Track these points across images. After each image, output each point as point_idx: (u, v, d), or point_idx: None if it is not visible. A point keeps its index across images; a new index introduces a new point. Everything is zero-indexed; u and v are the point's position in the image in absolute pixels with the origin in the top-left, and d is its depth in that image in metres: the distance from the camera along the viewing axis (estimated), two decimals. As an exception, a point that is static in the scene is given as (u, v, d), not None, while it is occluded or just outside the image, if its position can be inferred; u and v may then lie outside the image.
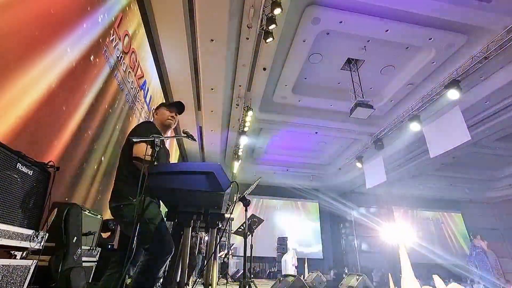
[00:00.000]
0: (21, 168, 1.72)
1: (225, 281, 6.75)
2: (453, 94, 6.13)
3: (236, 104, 7.65)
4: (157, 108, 2.18)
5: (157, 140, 1.60)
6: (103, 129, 3.76)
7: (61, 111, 2.76)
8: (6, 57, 2.05)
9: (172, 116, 2.12)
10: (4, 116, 2.07)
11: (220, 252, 7.57)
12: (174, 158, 9.33)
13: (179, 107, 2.17)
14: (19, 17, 2.14)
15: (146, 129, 1.89)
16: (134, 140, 1.68)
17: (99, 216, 3.00)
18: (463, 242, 14.23)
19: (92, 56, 3.26)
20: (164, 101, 6.80)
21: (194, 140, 2.01)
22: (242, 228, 5.33)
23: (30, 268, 1.72)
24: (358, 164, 10.03)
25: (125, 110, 4.53)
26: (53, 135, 2.69)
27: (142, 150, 1.72)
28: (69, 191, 3.05)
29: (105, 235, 3.34)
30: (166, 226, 1.80)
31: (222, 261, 8.20)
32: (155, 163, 1.59)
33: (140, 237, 1.49)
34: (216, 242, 1.97)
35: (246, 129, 7.96)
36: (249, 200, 2.81)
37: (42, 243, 1.83)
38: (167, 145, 2.27)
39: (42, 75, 2.42)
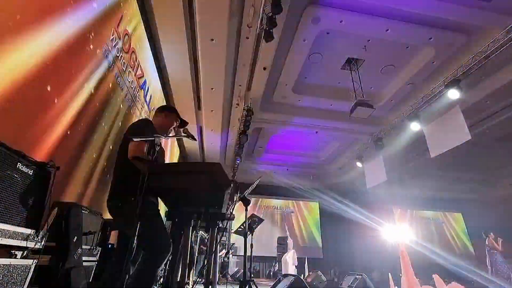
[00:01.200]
0: (22, 167, 1.72)
1: (225, 280, 6.76)
2: (453, 93, 6.13)
3: (236, 104, 7.65)
4: (170, 112, 2.19)
5: (157, 139, 1.60)
6: (103, 129, 3.76)
7: (61, 111, 2.77)
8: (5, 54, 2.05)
9: (175, 127, 2.18)
10: (3, 114, 2.07)
11: (220, 251, 7.57)
12: (174, 158, 9.33)
13: (183, 125, 2.25)
14: (15, 8, 2.13)
15: (145, 128, 1.89)
16: (135, 139, 1.68)
17: (99, 216, 3.00)
18: (463, 242, 14.24)
19: (92, 55, 3.26)
20: (163, 102, 6.80)
21: (194, 139, 2.02)
22: (242, 227, 5.33)
23: (30, 267, 1.72)
24: (359, 164, 10.02)
25: (125, 109, 4.54)
26: (53, 135, 2.69)
27: (142, 149, 1.72)
28: (69, 190, 3.06)
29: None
30: (164, 225, 1.81)
31: (222, 260, 8.21)
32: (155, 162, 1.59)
33: (138, 236, 1.50)
34: (216, 242, 1.97)
35: (246, 128, 7.95)
36: (249, 200, 2.81)
37: (42, 243, 1.83)
38: (168, 144, 2.27)
39: (41, 75, 2.42)
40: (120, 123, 4.31)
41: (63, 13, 2.67)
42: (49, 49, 2.49)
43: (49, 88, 2.53)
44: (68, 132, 2.91)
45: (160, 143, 1.92)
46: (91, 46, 3.21)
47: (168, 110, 2.22)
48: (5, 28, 2.01)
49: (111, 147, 4.00)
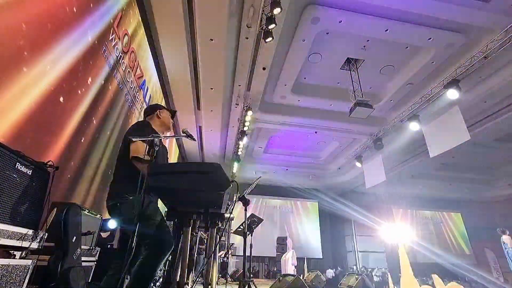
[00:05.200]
0: (20, 167, 1.72)
1: (225, 280, 6.75)
2: (452, 93, 6.14)
3: (236, 104, 7.65)
4: (161, 109, 2.20)
5: (156, 139, 1.60)
6: (103, 129, 3.76)
7: (60, 111, 2.76)
8: (6, 57, 2.04)
9: (170, 121, 2.23)
10: (3, 115, 2.06)
11: (219, 251, 7.57)
12: (173, 158, 9.32)
13: (174, 114, 2.31)
14: (18, 16, 2.13)
15: (143, 129, 1.89)
16: (134, 139, 1.68)
17: (98, 216, 2.99)
18: (462, 242, 14.26)
19: (91, 56, 3.25)
20: (163, 101, 6.78)
21: (194, 139, 2.01)
22: (242, 227, 5.32)
23: (29, 267, 1.71)
24: (358, 164, 10.04)
25: (125, 109, 4.53)
26: (52, 134, 2.68)
27: (141, 149, 1.72)
28: (68, 190, 3.05)
29: (104, 234, 3.33)
30: (166, 222, 1.81)
31: (221, 260, 8.21)
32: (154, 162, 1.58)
33: (140, 234, 1.49)
34: (215, 242, 1.97)
35: (245, 128, 7.96)
36: (249, 200, 2.81)
37: (41, 243, 1.83)
38: (166, 144, 2.27)
39: (41, 74, 2.42)
40: (120, 123, 4.30)
41: (63, 17, 2.67)
42: (59, 61, 2.49)
43: (50, 90, 2.52)
44: (68, 133, 2.90)
45: (161, 143, 1.91)
46: (93, 51, 3.20)
47: (160, 110, 2.20)
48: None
49: (111, 148, 4.00)
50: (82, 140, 3.24)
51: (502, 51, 5.42)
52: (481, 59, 5.67)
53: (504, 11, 5.03)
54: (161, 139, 1.69)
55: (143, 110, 5.41)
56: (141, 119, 2.28)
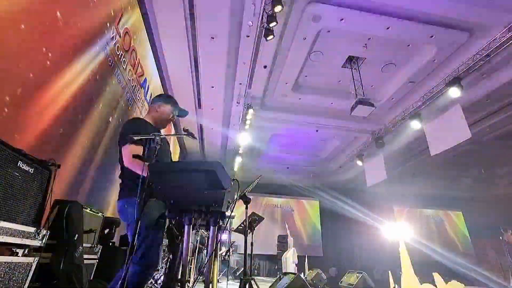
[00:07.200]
0: (22, 166, 1.73)
1: (226, 278, 6.78)
2: (454, 92, 6.12)
3: (237, 102, 7.64)
4: (165, 102, 2.06)
5: (157, 138, 1.60)
6: (103, 128, 3.76)
7: (59, 109, 2.77)
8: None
9: (172, 117, 2.07)
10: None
11: (220, 249, 7.58)
12: (175, 156, 9.34)
13: (183, 114, 2.13)
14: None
15: (139, 127, 1.82)
16: (135, 138, 1.67)
17: (100, 214, 3.01)
18: (464, 240, 14.25)
19: (92, 54, 3.25)
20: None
21: (195, 138, 2.00)
22: (243, 225, 5.34)
23: (31, 265, 1.73)
24: (359, 162, 10.02)
25: (126, 108, 4.53)
26: (52, 133, 2.69)
27: (140, 149, 1.69)
28: (70, 188, 3.06)
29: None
30: (161, 240, 1.75)
31: (222, 258, 8.23)
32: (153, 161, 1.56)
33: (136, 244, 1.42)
34: (216, 240, 1.97)
35: (246, 127, 7.95)
36: (250, 198, 2.82)
37: (43, 241, 1.84)
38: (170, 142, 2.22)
39: (37, 71, 2.42)
40: (120, 121, 4.31)
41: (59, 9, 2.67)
42: (58, 60, 2.49)
43: (49, 88, 2.52)
44: (69, 131, 2.91)
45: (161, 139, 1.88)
46: (94, 49, 3.20)
47: (162, 101, 2.06)
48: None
49: (112, 147, 4.00)
50: (83, 139, 3.25)
51: (504, 49, 5.38)
52: (483, 57, 5.64)
53: (507, 8, 4.99)
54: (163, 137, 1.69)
55: (144, 108, 5.42)
56: (142, 116, 2.21)
